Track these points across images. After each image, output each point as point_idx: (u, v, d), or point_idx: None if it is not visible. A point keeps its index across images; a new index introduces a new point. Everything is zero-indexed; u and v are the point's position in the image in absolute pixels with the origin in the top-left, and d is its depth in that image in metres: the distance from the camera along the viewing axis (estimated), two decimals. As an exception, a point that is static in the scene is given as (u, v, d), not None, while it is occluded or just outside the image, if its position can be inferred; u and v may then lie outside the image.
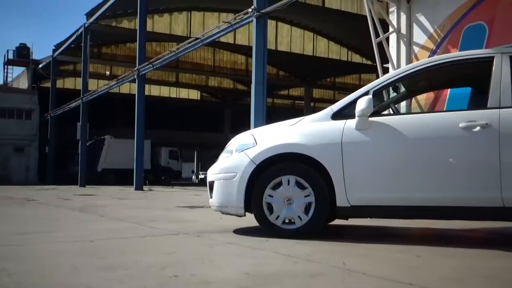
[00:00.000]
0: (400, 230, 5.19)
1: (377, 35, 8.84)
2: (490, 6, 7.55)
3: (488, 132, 3.81)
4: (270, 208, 4.23)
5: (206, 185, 4.85)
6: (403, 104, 7.84)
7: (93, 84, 31.79)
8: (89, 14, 26.91)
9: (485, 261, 3.25)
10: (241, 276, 2.70)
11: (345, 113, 4.26)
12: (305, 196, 4.15)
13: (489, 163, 3.81)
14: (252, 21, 12.23)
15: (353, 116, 4.14)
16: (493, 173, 3.78)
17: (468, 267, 3.02)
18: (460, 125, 3.89)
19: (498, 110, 3.86)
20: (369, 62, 34.02)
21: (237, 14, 13.47)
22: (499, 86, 3.94)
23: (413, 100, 8.10)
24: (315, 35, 35.83)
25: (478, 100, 4.59)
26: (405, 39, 8.80)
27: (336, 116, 4.27)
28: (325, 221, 4.33)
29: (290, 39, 35.43)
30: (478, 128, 3.84)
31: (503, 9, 7.37)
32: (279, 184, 4.22)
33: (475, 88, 5.11)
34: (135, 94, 20.39)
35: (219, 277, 2.70)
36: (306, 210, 4.15)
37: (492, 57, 4.10)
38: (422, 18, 8.60)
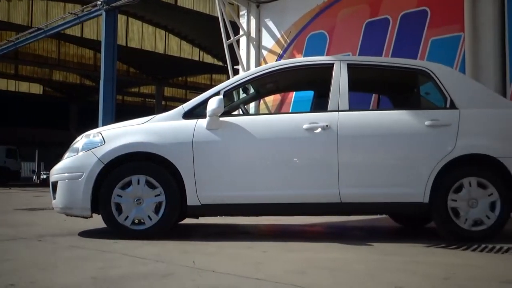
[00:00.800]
0: (248, 227, 5.37)
1: (228, 37, 9.02)
2: (330, 16, 8.14)
3: (328, 133, 4.12)
4: (119, 208, 4.10)
5: (49, 186, 4.55)
6: (252, 105, 8.12)
7: None
8: None
9: (324, 254, 3.50)
10: (87, 281, 2.58)
11: (196, 112, 4.29)
12: (156, 196, 4.10)
13: (328, 162, 4.12)
14: (101, 14, 11.75)
15: (204, 116, 4.19)
16: (332, 171, 4.09)
17: (309, 260, 3.23)
18: (304, 126, 4.15)
19: (337, 113, 4.20)
20: (220, 63, 34.64)
21: (85, 6, 12.85)
22: (338, 91, 4.29)
23: (262, 101, 8.42)
24: (167, 33, 35.52)
25: (320, 103, 4.93)
26: (254, 42, 9.11)
27: (188, 115, 4.29)
28: (175, 220, 4.32)
29: (142, 36, 34.69)
30: (319, 129, 4.12)
31: (341, 20, 8.00)
32: (129, 184, 4.11)
33: (317, 92, 5.47)
34: (-35, 86, 18.43)
35: (63, 283, 2.54)
36: (157, 210, 4.10)
37: (332, 64, 4.44)
38: (270, 23, 8.97)
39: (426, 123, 4.15)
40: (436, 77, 4.37)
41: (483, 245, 3.81)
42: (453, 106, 4.25)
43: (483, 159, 4.13)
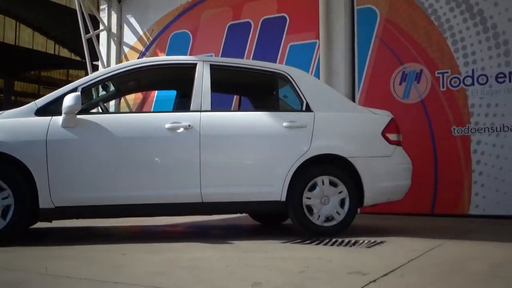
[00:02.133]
0: (107, 229, 5.18)
1: (87, 31, 8.63)
2: (194, 17, 8.18)
3: (190, 133, 4.12)
4: (-41, 213, 3.72)
5: None
6: (112, 103, 7.86)
7: None
8: None
9: (185, 253, 3.50)
10: None
11: (51, 109, 4.04)
12: (3, 199, 3.79)
13: (190, 162, 4.13)
14: None
15: (59, 113, 3.96)
16: (193, 171, 4.11)
17: (170, 260, 3.21)
18: (166, 126, 4.11)
19: (199, 113, 4.23)
20: (78, 58, 32.98)
21: None
22: (201, 91, 4.32)
23: (123, 99, 8.19)
24: (18, 23, 32.94)
25: (183, 103, 4.93)
26: (115, 38, 8.83)
27: (41, 112, 4.02)
28: (26, 225, 4.03)
29: (-12, 24, 31.81)
30: (181, 129, 4.12)
31: (205, 21, 8.07)
32: (-29, 186, 3.75)
33: (180, 92, 5.46)
34: None
35: None
36: (4, 214, 3.78)
37: (195, 64, 4.46)
38: (132, 20, 8.76)
39: (284, 124, 4.34)
40: (294, 81, 4.60)
41: (334, 239, 4.09)
42: (308, 109, 4.50)
43: (335, 159, 4.43)
